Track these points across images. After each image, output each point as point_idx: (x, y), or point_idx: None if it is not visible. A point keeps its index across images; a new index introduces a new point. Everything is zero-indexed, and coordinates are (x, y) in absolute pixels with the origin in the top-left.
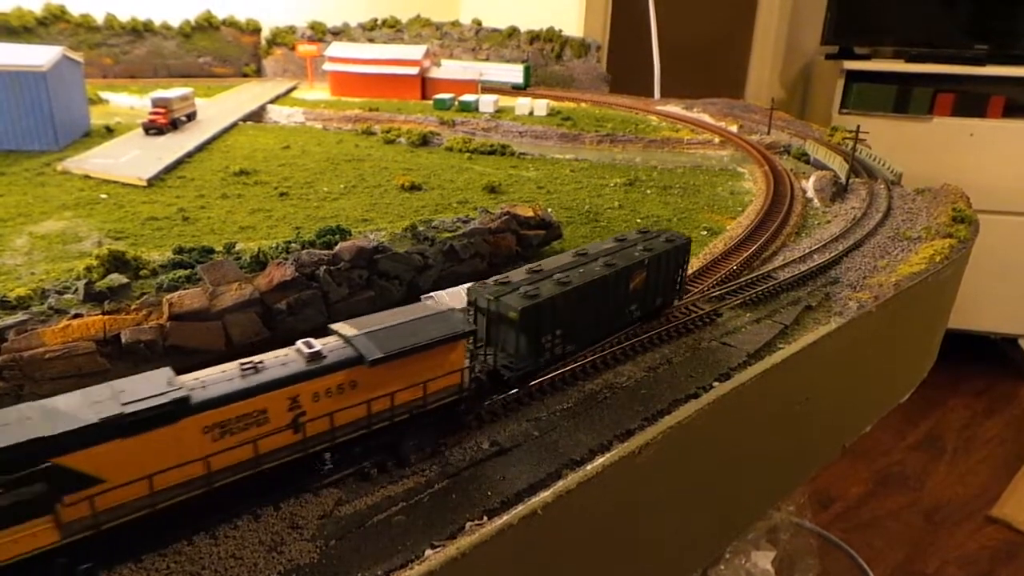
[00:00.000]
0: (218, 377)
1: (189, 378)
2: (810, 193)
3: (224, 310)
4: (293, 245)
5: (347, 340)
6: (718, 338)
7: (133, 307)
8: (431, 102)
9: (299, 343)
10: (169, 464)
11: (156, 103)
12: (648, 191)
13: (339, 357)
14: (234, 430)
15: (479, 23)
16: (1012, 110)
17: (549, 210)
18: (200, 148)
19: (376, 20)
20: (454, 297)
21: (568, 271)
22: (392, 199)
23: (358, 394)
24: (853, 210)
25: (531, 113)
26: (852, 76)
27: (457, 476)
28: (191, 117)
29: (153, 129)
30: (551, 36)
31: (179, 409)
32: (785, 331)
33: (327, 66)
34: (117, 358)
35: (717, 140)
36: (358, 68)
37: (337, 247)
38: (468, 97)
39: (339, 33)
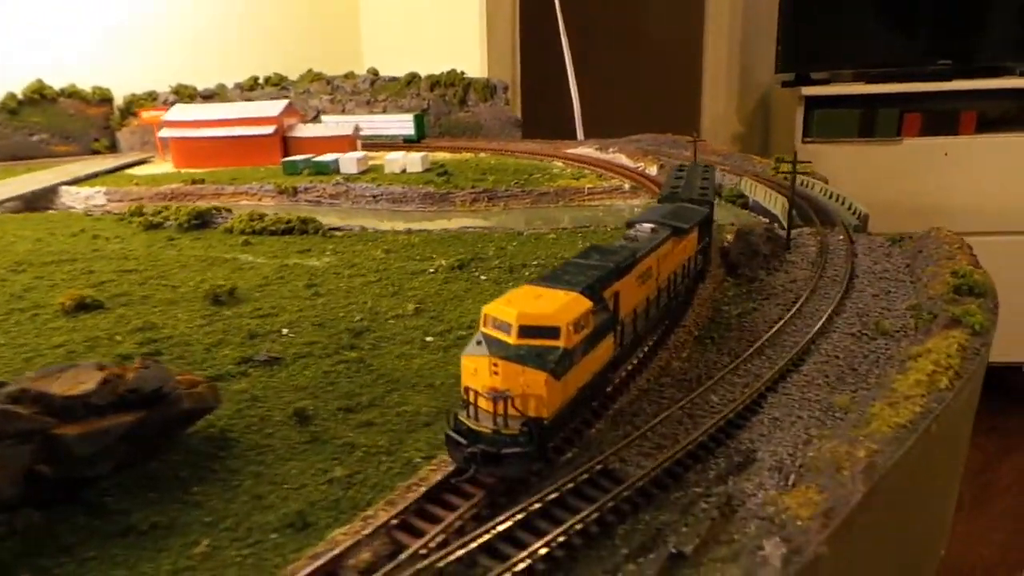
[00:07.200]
0: (620, 246)
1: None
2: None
3: None
4: None
5: (661, 223)
6: None
7: None
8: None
9: (638, 228)
10: (632, 297)
11: None
12: (484, 276)
13: (667, 232)
14: (644, 278)
15: (375, 72)
16: (985, 124)
17: (287, 331)
18: None
19: (257, 79)
20: None
21: (699, 189)
22: (27, 330)
23: (674, 256)
24: (793, 286)
25: (404, 170)
26: (812, 102)
27: None
28: None
29: None
30: (452, 80)
31: (633, 263)
32: None
33: (163, 133)
34: None
35: (627, 186)
36: (201, 132)
37: None
38: (326, 157)
39: (211, 96)
